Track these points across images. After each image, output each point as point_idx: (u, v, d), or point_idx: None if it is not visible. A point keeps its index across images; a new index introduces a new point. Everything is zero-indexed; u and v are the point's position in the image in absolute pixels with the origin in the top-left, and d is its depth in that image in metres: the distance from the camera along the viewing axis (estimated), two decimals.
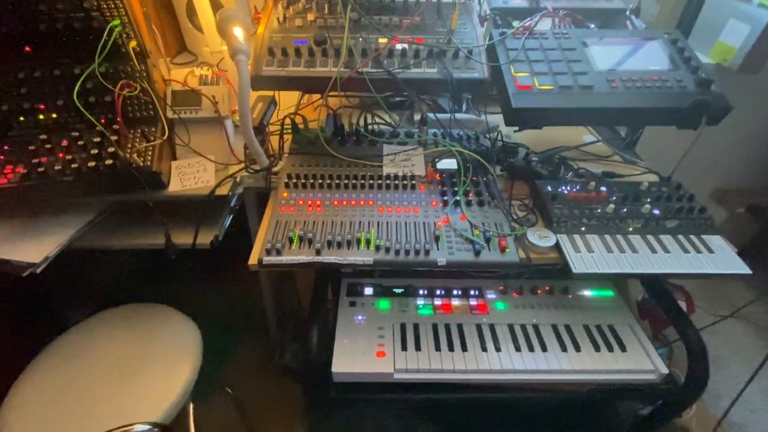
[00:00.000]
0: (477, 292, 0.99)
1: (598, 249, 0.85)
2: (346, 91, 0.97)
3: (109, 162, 0.91)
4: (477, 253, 0.81)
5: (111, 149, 0.92)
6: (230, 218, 1.09)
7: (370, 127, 1.08)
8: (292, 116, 1.05)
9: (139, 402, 0.93)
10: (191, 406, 1.06)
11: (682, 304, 1.48)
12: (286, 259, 0.80)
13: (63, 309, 1.23)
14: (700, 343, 0.89)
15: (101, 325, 1.11)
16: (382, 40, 0.99)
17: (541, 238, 0.87)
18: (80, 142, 0.93)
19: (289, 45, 0.97)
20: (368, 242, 0.83)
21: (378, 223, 0.87)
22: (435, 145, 1.06)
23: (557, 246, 0.86)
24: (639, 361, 0.87)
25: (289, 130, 1.08)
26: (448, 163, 1.03)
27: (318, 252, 0.80)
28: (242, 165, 1.06)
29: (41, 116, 0.96)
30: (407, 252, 0.81)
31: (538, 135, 1.06)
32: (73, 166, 0.89)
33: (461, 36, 1.01)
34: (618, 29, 1.12)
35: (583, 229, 0.90)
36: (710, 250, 0.86)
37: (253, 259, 0.82)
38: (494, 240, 0.84)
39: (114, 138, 0.93)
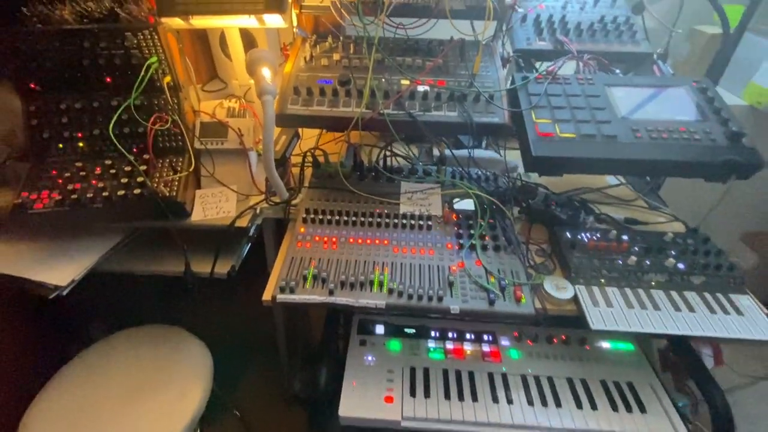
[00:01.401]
0: (491, 338, 0.97)
1: (618, 304, 0.83)
2: (367, 130, 0.99)
3: (137, 191, 0.94)
4: (491, 302, 0.80)
5: (140, 179, 0.96)
6: (248, 247, 1.12)
7: (389, 163, 1.09)
8: (312, 151, 1.07)
9: (151, 423, 0.95)
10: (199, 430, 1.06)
11: (709, 358, 1.40)
12: (299, 297, 0.81)
13: (83, 327, 1.27)
14: (725, 407, 0.84)
15: (119, 345, 1.14)
16: (405, 82, 1.01)
17: (558, 289, 0.85)
18: (112, 171, 0.97)
19: (314, 84, 1.00)
20: (381, 284, 0.83)
21: (392, 263, 0.87)
22: (453, 185, 1.06)
23: (575, 299, 0.84)
24: (659, 425, 0.83)
25: (311, 164, 1.10)
26: (465, 204, 1.03)
27: (331, 292, 0.81)
28: (263, 196, 1.08)
29: (79, 144, 1.01)
30: (420, 297, 0.81)
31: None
32: (104, 194, 0.93)
33: (483, 78, 1.01)
34: (644, 75, 1.10)
35: (602, 280, 0.87)
36: (739, 312, 0.82)
37: (266, 295, 0.83)
38: (510, 289, 0.82)
39: (143, 168, 0.97)
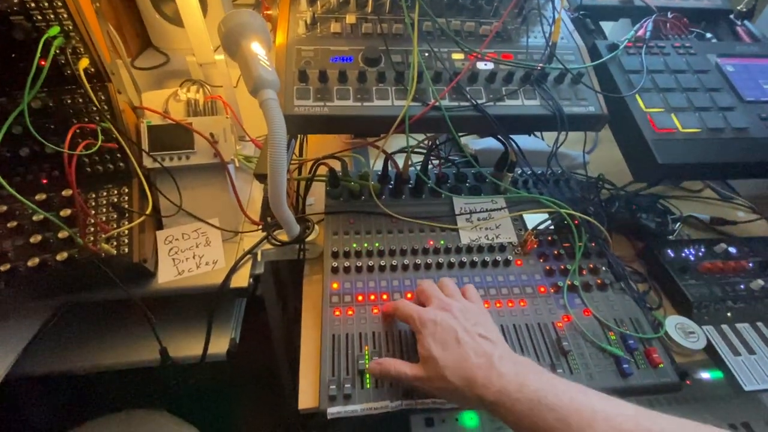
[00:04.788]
0: None
1: (759, 347, 0.65)
2: (417, 132, 0.69)
3: (62, 256, 0.58)
4: (625, 374, 0.58)
5: (62, 234, 0.59)
6: (244, 303, 0.80)
7: (433, 168, 0.81)
8: (326, 163, 0.75)
9: None
10: None
11: None
12: (361, 408, 0.53)
13: (39, 417, 0.88)
14: None
15: None
16: (457, 57, 0.70)
17: (686, 335, 0.66)
18: (10, 224, 0.59)
19: (328, 64, 0.66)
20: None
21: None
22: (518, 196, 0.80)
23: (709, 347, 0.65)
24: None
25: (322, 178, 0.78)
26: (535, 219, 0.78)
27: (407, 393, 0.54)
28: (258, 229, 0.76)
29: None
30: None
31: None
32: (1, 267, 0.56)
33: (558, 49, 0.74)
34: (733, 40, 0.89)
35: (729, 315, 0.69)
36: None
37: (306, 403, 0.55)
38: (640, 349, 0.61)
39: (65, 213, 0.60)
